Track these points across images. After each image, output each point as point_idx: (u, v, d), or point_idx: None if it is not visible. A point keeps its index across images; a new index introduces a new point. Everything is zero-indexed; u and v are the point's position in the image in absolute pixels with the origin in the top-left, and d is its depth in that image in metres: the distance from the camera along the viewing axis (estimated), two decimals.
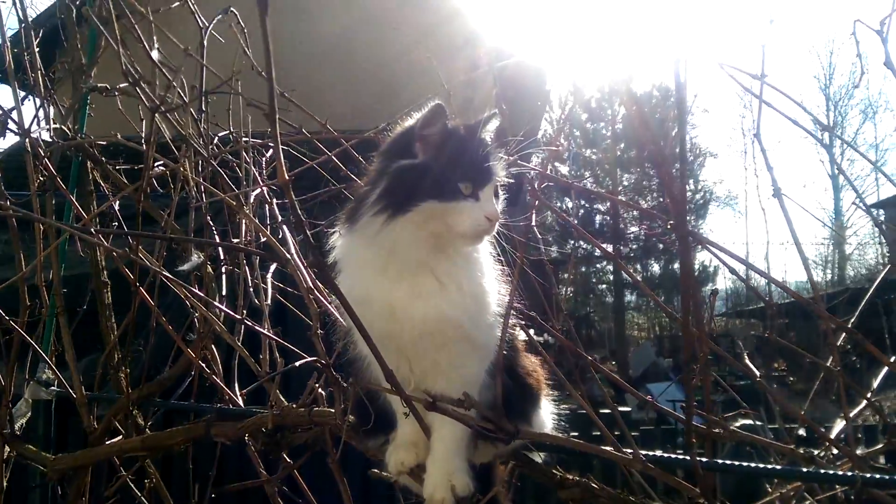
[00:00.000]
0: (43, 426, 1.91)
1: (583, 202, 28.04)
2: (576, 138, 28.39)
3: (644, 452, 1.23)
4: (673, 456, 1.21)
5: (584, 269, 29.09)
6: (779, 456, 1.59)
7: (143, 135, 1.70)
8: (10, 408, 1.75)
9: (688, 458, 1.15)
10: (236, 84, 2.00)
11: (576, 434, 1.43)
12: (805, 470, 1.13)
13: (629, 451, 1.22)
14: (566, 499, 1.20)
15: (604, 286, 29.85)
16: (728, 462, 1.13)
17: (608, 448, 1.25)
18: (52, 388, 1.89)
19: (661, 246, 27.70)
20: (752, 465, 1.13)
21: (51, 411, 1.93)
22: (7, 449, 1.76)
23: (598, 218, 28.54)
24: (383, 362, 1.09)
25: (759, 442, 1.24)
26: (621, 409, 7.24)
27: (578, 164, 28.39)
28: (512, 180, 1.34)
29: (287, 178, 0.89)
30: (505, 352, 1.23)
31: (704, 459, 1.14)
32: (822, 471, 1.08)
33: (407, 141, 1.25)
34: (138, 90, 1.69)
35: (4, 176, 1.94)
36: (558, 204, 27.42)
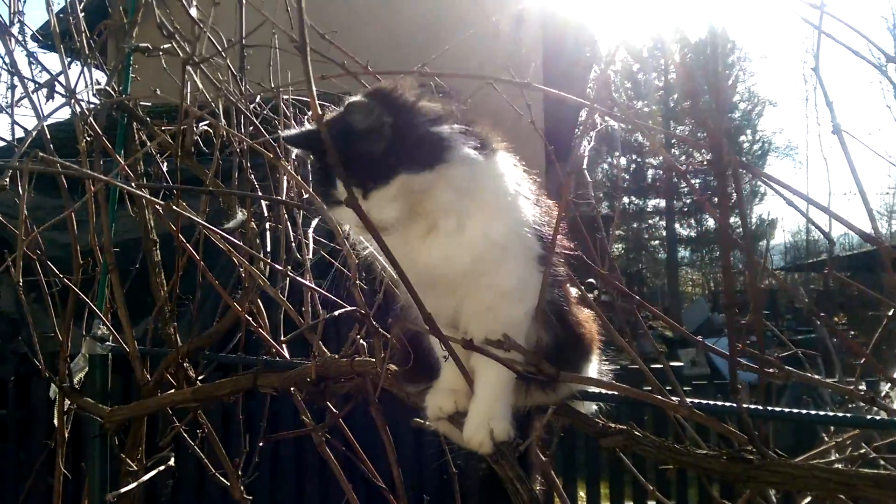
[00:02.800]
0: (100, 380, 1.99)
1: (634, 156, 27.46)
2: (626, 90, 27.63)
3: (691, 400, 1.20)
4: (720, 403, 1.18)
5: (635, 226, 28.60)
6: (836, 404, 1.54)
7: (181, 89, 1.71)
8: (69, 363, 1.83)
9: (734, 405, 1.12)
10: (273, 37, 1.99)
11: None
12: (859, 416, 1.09)
13: (675, 398, 1.19)
14: (608, 447, 1.18)
15: (656, 242, 29.33)
16: (777, 409, 1.09)
17: (654, 394, 1.23)
18: (108, 343, 1.97)
19: (716, 199, 26.87)
20: (804, 412, 1.09)
21: (107, 365, 2.01)
22: (67, 401, 1.85)
23: (650, 172, 27.92)
24: (421, 305, 1.08)
25: (815, 382, 1.19)
26: (673, 364, 7.18)
27: (629, 117, 27.62)
28: None
29: (320, 113, 0.87)
30: (553, 298, 1.21)
31: (752, 406, 1.11)
32: (878, 417, 1.04)
33: None
34: (173, 44, 1.70)
35: (60, 145, 1.99)
36: (609, 159, 26.92)
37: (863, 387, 1.24)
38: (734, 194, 1.18)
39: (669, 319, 1.50)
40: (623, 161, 27.49)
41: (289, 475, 4.96)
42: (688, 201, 26.99)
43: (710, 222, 27.70)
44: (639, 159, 27.70)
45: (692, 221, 27.56)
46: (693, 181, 26.60)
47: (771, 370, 1.18)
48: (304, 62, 0.86)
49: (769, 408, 1.11)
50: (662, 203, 27.13)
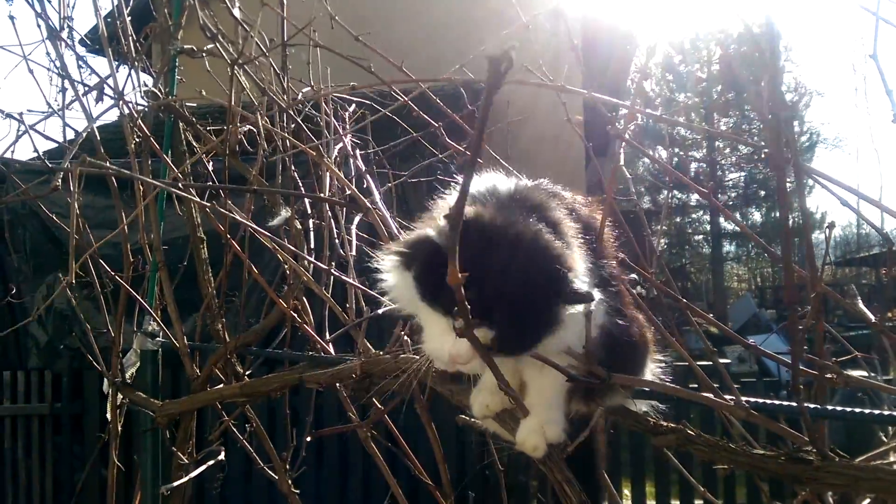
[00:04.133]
0: (151, 375, 2.04)
1: (677, 150, 26.97)
2: (668, 82, 27.15)
3: (747, 399, 1.16)
4: (777, 402, 1.14)
5: (678, 220, 28.10)
6: (894, 403, 1.47)
7: (227, 90, 1.73)
8: (121, 358, 1.88)
9: (794, 404, 1.08)
10: (314, 35, 2.00)
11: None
12: None
13: (730, 397, 1.16)
14: (661, 446, 1.15)
15: (700, 237, 28.76)
16: (839, 409, 1.05)
17: (708, 395, 1.19)
18: (158, 338, 2.01)
19: (762, 193, 26.34)
20: (867, 411, 1.04)
21: (157, 361, 2.05)
22: (119, 396, 1.90)
23: (693, 166, 27.40)
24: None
25: (874, 386, 1.14)
26: (720, 360, 7.03)
27: (671, 110, 27.16)
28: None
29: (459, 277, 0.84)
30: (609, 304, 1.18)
31: (813, 406, 1.07)
32: None
33: None
34: (217, 45, 1.72)
35: (106, 146, 2.04)
36: (651, 152, 26.44)
37: None
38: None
39: (716, 321, 1.46)
40: (665, 154, 27.02)
41: (332, 469, 5.02)
42: (732, 195, 26.41)
43: (756, 216, 27.06)
44: (681, 153, 27.20)
45: (737, 216, 26.94)
46: (737, 175, 26.03)
47: (830, 375, 1.13)
48: None
49: (830, 407, 1.07)
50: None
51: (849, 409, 1.06)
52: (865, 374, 2.29)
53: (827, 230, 1.32)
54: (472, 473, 4.22)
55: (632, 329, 1.25)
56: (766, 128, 1.05)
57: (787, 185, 1.13)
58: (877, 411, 1.06)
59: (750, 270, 29.90)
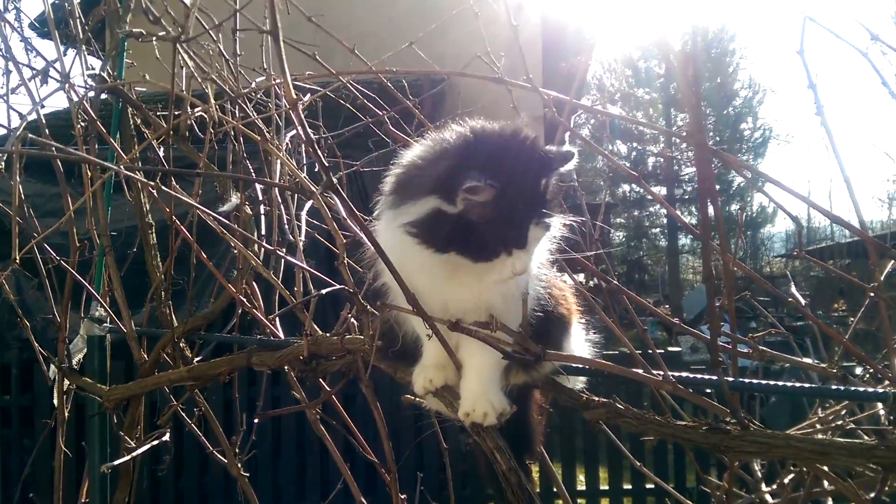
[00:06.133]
0: (98, 360, 2.02)
1: (635, 144, 27.43)
2: (627, 78, 27.56)
3: (674, 374, 1.22)
4: (701, 377, 1.20)
5: (636, 213, 28.59)
6: (821, 381, 1.56)
7: (177, 75, 1.73)
8: (68, 344, 1.86)
9: (715, 378, 1.14)
10: (263, 21, 2.00)
11: None
12: (836, 388, 1.11)
13: (659, 372, 1.22)
14: (592, 419, 1.21)
15: (657, 230, 29.31)
16: (754, 381, 1.11)
17: (638, 370, 1.25)
18: (106, 324, 2.00)
19: (717, 187, 26.88)
20: (780, 383, 1.11)
21: (105, 346, 2.03)
22: (66, 382, 1.88)
23: (650, 160, 27.87)
24: (408, 292, 1.10)
25: (791, 362, 1.22)
26: (673, 349, 7.21)
27: (630, 105, 27.58)
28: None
29: (294, 96, 0.89)
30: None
31: (731, 379, 1.13)
32: (854, 389, 1.06)
33: (450, 182, 1.10)
34: (163, 23, 1.71)
35: (61, 134, 2.01)
36: (610, 147, 26.86)
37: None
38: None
39: (642, 300, 1.53)
40: (623, 149, 27.48)
41: (290, 459, 5.03)
42: (689, 188, 26.94)
43: (711, 209, 27.63)
44: (639, 147, 27.66)
45: (693, 209, 27.53)
46: (693, 169, 26.51)
47: (747, 351, 1.20)
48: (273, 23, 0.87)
49: (746, 380, 1.13)
50: (663, 190, 27.07)
51: (763, 382, 1.12)
52: (801, 357, 2.40)
53: (738, 212, 1.39)
54: (407, 453, 4.31)
55: (557, 302, 1.31)
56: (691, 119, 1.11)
57: (714, 171, 1.19)
58: (790, 384, 1.13)
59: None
